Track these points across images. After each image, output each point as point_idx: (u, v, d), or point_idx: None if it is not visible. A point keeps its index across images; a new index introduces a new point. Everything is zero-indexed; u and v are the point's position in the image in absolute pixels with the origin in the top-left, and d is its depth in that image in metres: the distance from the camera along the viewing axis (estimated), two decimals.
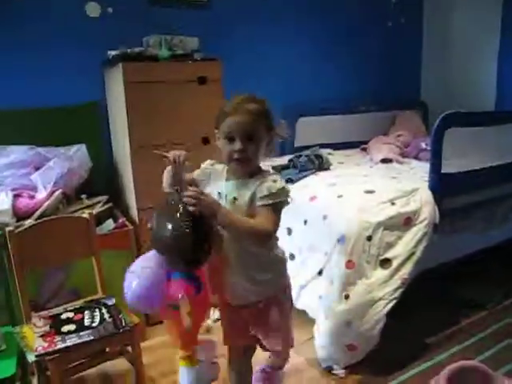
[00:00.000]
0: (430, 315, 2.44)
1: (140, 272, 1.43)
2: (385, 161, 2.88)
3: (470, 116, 2.33)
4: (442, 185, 2.16)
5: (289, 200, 1.36)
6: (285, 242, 2.31)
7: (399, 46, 3.92)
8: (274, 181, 1.35)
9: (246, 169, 1.37)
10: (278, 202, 1.33)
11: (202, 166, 1.51)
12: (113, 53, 2.29)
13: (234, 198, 1.36)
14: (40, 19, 2.41)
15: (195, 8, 2.86)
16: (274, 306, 1.49)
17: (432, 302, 2.57)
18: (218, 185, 1.41)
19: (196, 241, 1.31)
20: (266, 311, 1.48)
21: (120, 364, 2.03)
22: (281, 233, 2.27)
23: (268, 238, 1.35)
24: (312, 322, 2.15)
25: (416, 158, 3.01)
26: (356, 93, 3.64)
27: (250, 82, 3.03)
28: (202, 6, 2.89)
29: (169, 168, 1.45)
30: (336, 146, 3.38)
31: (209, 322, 2.42)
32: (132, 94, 2.21)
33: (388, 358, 2.04)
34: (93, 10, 2.54)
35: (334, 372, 2.00)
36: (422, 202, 2.11)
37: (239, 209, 1.35)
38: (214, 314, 2.44)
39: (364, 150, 3.30)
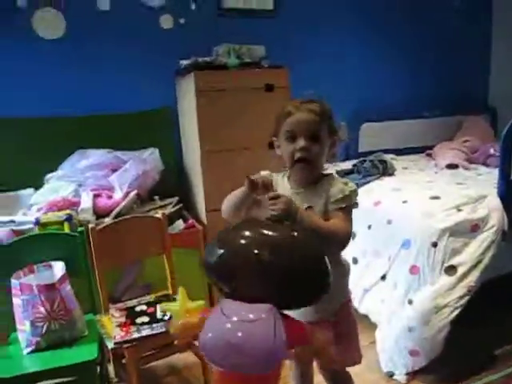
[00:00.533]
0: (499, 325, 2.36)
1: (263, 319, 1.02)
2: (450, 166, 2.82)
3: None
4: (510, 191, 2.10)
5: (357, 202, 1.32)
6: (348, 246, 2.35)
7: (466, 49, 3.81)
8: (345, 183, 1.31)
9: (310, 172, 1.31)
10: (351, 205, 1.29)
11: (262, 174, 1.41)
12: (185, 62, 2.43)
13: (308, 208, 1.28)
14: (120, 31, 2.60)
15: (261, 17, 2.96)
16: (342, 318, 1.40)
17: (501, 311, 2.49)
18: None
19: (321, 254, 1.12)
20: (334, 324, 1.36)
21: (188, 357, 2.15)
22: None
23: (348, 240, 1.27)
24: (374, 326, 2.17)
25: (484, 164, 2.93)
26: (420, 97, 3.59)
27: (315, 89, 3.09)
28: (268, 16, 2.98)
29: (238, 192, 1.36)
30: (400, 152, 3.35)
31: None
32: (203, 101, 2.34)
33: (453, 366, 2.01)
34: (166, 22, 2.70)
35: (396, 377, 2.00)
36: (490, 208, 2.06)
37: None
38: None
39: (429, 155, 3.25)
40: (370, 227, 2.26)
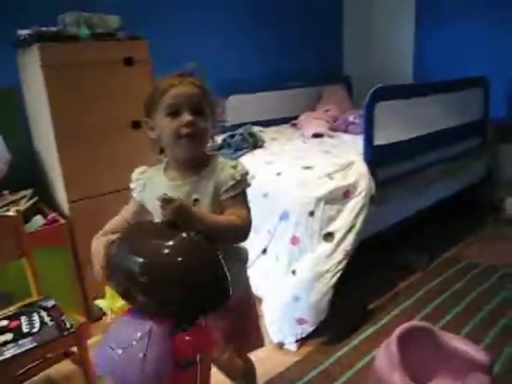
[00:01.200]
0: (370, 282, 2.55)
1: (135, 345, 1.00)
2: (316, 135, 2.92)
3: (397, 89, 2.43)
4: (375, 156, 2.23)
5: (249, 182, 1.22)
6: None
7: (320, 22, 3.96)
8: (234, 166, 1.20)
9: (196, 149, 1.18)
10: (244, 189, 1.20)
11: (133, 177, 1.31)
12: (25, 32, 2.09)
13: (195, 200, 1.17)
14: None
15: None
16: (243, 303, 1.35)
17: (370, 269, 2.68)
18: (161, 191, 1.10)
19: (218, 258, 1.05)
20: (235, 312, 1.30)
21: (65, 367, 1.93)
22: None
23: (250, 229, 1.18)
24: (259, 301, 2.17)
25: (345, 131, 3.09)
26: (283, 69, 3.65)
27: (179, 64, 2.93)
28: None
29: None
30: (267, 123, 3.38)
31: None
32: (52, 78, 2.03)
33: (336, 327, 2.11)
34: None
35: (286, 347, 2.04)
36: (358, 174, 2.17)
37: (208, 208, 1.17)
38: None
39: (294, 125, 3.34)
40: None
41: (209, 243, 1.04)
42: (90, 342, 1.94)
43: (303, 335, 2.04)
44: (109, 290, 1.20)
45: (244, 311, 1.36)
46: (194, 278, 0.99)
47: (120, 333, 1.06)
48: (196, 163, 1.21)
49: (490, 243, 2.98)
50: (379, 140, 2.25)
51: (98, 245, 1.16)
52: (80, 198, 2.19)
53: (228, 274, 1.05)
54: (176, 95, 1.15)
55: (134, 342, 0.99)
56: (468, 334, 1.99)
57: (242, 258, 1.33)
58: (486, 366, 1.54)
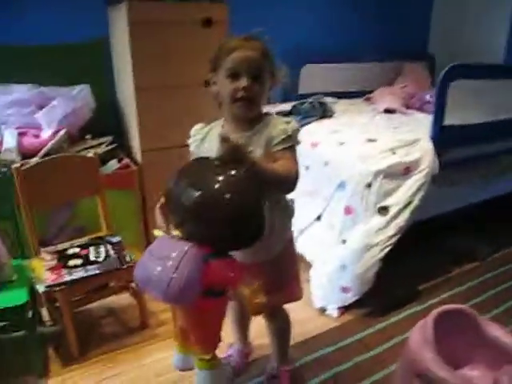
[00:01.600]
0: (424, 263, 2.53)
1: (172, 257, 1.09)
2: (388, 111, 2.87)
3: (475, 69, 2.32)
4: (442, 136, 2.17)
5: (299, 140, 1.29)
6: None
7: None
8: (287, 122, 1.27)
9: (250, 110, 1.26)
10: (295, 143, 1.27)
11: (191, 133, 1.40)
12: None
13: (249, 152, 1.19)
14: None
15: None
16: (285, 255, 1.44)
17: (427, 251, 2.65)
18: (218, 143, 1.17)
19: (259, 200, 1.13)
20: (277, 262, 1.40)
21: (124, 299, 2.14)
22: None
23: (297, 180, 1.24)
24: (309, 265, 2.23)
25: (420, 109, 3.00)
26: (363, 42, 3.57)
27: (257, 27, 2.97)
28: None
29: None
30: (340, 95, 3.35)
31: None
32: (136, 34, 2.18)
33: (381, 301, 2.14)
34: None
35: (328, 312, 2.10)
36: (423, 152, 2.13)
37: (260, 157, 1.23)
38: None
39: (368, 99, 3.29)
40: (307, 168, 2.28)
41: (254, 182, 1.10)
42: None
43: (346, 304, 2.09)
44: (156, 234, 1.28)
45: (285, 262, 1.44)
46: (237, 213, 1.06)
47: (160, 246, 1.17)
48: (250, 120, 1.29)
49: None
50: (449, 120, 2.18)
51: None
52: (152, 149, 2.35)
53: (264, 213, 1.13)
54: (237, 59, 1.22)
55: (173, 254, 1.09)
56: None
57: (288, 212, 1.41)
58: None
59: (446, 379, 1.38)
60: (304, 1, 3.26)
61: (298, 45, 3.21)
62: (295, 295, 1.51)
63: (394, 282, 2.28)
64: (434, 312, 1.61)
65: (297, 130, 1.27)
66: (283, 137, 1.24)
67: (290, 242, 1.46)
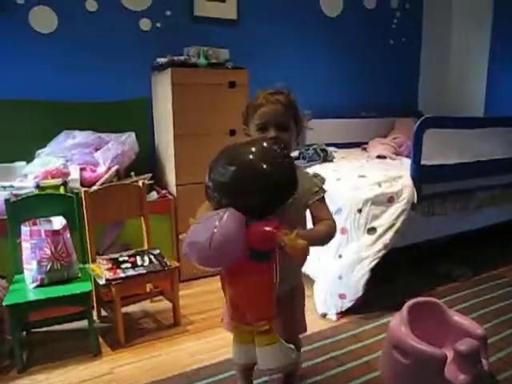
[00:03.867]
0: (411, 282, 2.96)
1: (214, 218, 1.18)
2: (380, 157, 3.41)
3: (443, 120, 2.87)
4: (420, 173, 2.68)
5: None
6: None
7: (400, 63, 4.49)
8: (315, 175, 1.45)
9: None
10: (324, 194, 1.43)
11: None
12: (162, 60, 2.88)
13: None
14: (104, 32, 3.02)
15: (226, 25, 3.44)
16: (297, 291, 1.56)
17: (413, 272, 3.10)
18: None
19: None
20: (291, 298, 1.51)
21: (158, 305, 2.62)
22: None
23: (336, 230, 1.41)
24: (312, 282, 2.67)
25: (407, 156, 3.52)
26: (361, 102, 4.21)
27: (271, 87, 3.61)
28: (232, 24, 3.47)
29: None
30: (341, 146, 3.92)
31: None
32: (177, 94, 2.79)
33: (372, 309, 2.56)
34: (145, 25, 3.14)
35: (328, 317, 2.52)
36: (404, 185, 2.64)
37: (296, 207, 1.35)
38: None
39: (364, 149, 3.84)
40: None
41: (285, 152, 1.27)
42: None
43: (343, 309, 2.52)
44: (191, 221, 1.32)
45: (299, 299, 1.60)
46: (271, 179, 1.19)
47: (203, 218, 1.26)
48: None
49: None
50: (425, 160, 2.70)
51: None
52: (185, 183, 2.90)
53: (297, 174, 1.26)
54: (263, 114, 1.39)
55: (214, 216, 1.19)
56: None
57: None
58: (479, 336, 1.94)
59: (414, 345, 1.81)
60: (312, 67, 3.91)
61: (306, 103, 3.82)
62: (305, 327, 1.64)
63: (383, 295, 2.72)
64: (409, 302, 2.06)
65: (324, 181, 1.46)
66: (316, 189, 1.41)
67: (301, 280, 1.62)
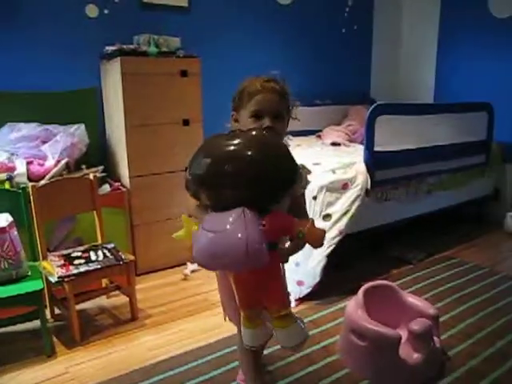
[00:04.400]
0: (366, 266, 3.03)
1: (234, 222, 1.10)
2: (334, 144, 3.45)
3: (394, 106, 2.94)
4: (373, 159, 2.74)
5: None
6: None
7: (352, 50, 4.54)
8: (302, 166, 1.38)
9: None
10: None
11: None
12: (111, 48, 2.78)
13: None
14: (49, 19, 2.88)
15: (177, 13, 3.37)
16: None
17: (368, 257, 3.17)
18: None
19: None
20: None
21: (115, 301, 2.57)
22: None
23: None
24: None
25: (361, 143, 3.59)
26: (315, 90, 4.23)
27: (224, 77, 3.59)
28: (183, 11, 3.40)
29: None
30: (296, 134, 3.92)
31: (187, 271, 2.95)
32: (127, 83, 2.71)
33: (329, 294, 2.61)
34: (91, 11, 3.02)
35: None
36: (357, 171, 2.68)
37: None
38: (190, 266, 2.96)
39: (319, 136, 3.87)
40: None
41: (276, 138, 1.25)
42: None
43: (301, 295, 2.55)
44: (184, 219, 1.30)
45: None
46: (256, 168, 1.11)
47: (212, 221, 1.16)
48: None
49: (484, 249, 3.40)
50: (379, 147, 2.75)
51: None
52: (138, 175, 2.83)
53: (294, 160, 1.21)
54: (260, 102, 1.35)
55: (231, 219, 1.11)
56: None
57: None
58: (431, 315, 2.00)
59: (370, 327, 1.85)
60: (265, 56, 3.88)
61: None
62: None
63: (340, 281, 2.77)
64: (365, 286, 2.10)
65: (310, 173, 1.44)
66: (306, 180, 1.39)
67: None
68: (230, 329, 2.19)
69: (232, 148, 1.13)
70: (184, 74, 2.90)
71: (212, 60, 3.32)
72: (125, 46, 2.75)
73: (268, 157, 1.13)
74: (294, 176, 1.19)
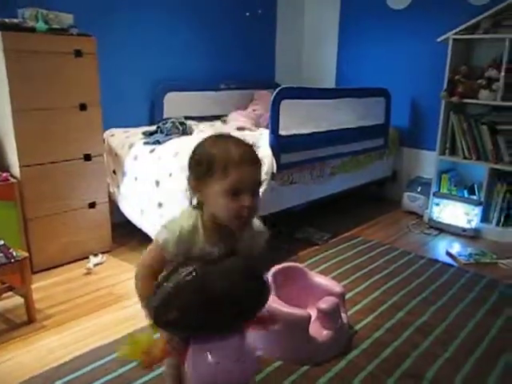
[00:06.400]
0: (273, 249, 3.05)
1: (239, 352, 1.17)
2: (239, 129, 3.43)
3: (298, 90, 2.98)
4: (278, 143, 2.76)
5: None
6: (153, 193, 2.77)
7: (256, 34, 4.52)
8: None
9: (249, 224, 1.22)
10: None
11: (169, 248, 1.17)
12: None
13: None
14: None
15: None
16: None
17: (274, 240, 3.20)
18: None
19: None
20: None
21: (9, 302, 2.34)
22: (150, 184, 2.74)
23: None
24: None
25: (267, 127, 3.61)
26: (220, 73, 4.17)
27: (123, 58, 3.40)
28: None
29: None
30: (201, 119, 3.85)
31: (89, 265, 2.78)
32: (12, 62, 2.43)
33: None
34: None
35: None
36: (263, 155, 2.64)
37: None
38: (93, 259, 2.80)
39: (224, 121, 3.83)
40: (171, 175, 2.66)
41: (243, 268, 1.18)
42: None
43: None
44: (131, 337, 1.21)
45: None
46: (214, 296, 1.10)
47: (221, 352, 1.16)
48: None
49: (385, 227, 3.61)
50: (283, 131, 2.78)
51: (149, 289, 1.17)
52: (31, 164, 2.59)
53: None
54: (240, 178, 1.10)
55: (243, 355, 1.17)
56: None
57: None
58: (338, 293, 2.07)
59: (280, 309, 1.87)
60: (167, 36, 3.74)
61: (162, 74, 3.68)
62: None
63: None
64: (273, 269, 2.12)
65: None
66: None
67: None
68: (137, 322, 2.12)
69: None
70: (78, 53, 2.68)
71: (109, 39, 3.12)
72: (7, 20, 2.46)
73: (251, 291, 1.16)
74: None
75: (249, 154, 1.14)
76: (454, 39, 3.44)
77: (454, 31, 3.42)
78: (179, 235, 1.15)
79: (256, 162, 1.15)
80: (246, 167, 1.11)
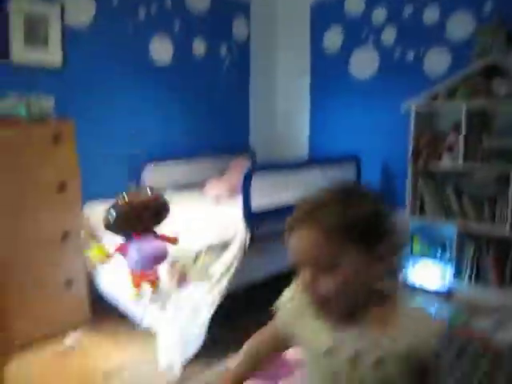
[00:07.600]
0: (251, 321, 3.07)
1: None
2: (216, 198, 3.55)
3: (268, 167, 3.15)
4: (251, 217, 2.86)
5: None
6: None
7: (230, 105, 4.76)
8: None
9: (332, 316, 0.95)
10: None
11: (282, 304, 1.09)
12: None
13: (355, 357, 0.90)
14: None
15: (49, 72, 3.27)
16: None
17: (251, 310, 3.24)
18: (320, 338, 0.95)
19: None
20: None
21: None
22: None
23: None
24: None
25: None
26: (197, 144, 4.35)
27: (102, 139, 3.55)
28: (56, 71, 3.31)
29: None
30: (181, 187, 3.96)
31: (69, 342, 2.78)
32: None
33: (215, 354, 2.62)
34: None
35: (172, 369, 2.51)
36: (237, 230, 2.78)
37: (361, 375, 0.90)
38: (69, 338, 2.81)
39: (200, 190, 3.94)
40: None
41: None
42: None
43: (187, 358, 2.54)
44: (95, 245, 1.55)
45: None
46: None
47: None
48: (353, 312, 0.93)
49: None
50: (257, 203, 2.89)
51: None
52: None
53: None
54: (291, 249, 0.94)
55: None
56: None
57: None
58: None
59: None
60: (143, 114, 3.92)
61: (145, 147, 3.84)
62: None
63: (223, 339, 2.71)
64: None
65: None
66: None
67: None
68: None
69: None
70: (56, 139, 2.79)
71: (88, 121, 3.28)
72: None
73: None
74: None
75: (308, 215, 0.95)
76: (416, 110, 3.65)
77: (414, 103, 3.63)
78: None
79: (311, 227, 0.91)
80: (297, 235, 0.95)
